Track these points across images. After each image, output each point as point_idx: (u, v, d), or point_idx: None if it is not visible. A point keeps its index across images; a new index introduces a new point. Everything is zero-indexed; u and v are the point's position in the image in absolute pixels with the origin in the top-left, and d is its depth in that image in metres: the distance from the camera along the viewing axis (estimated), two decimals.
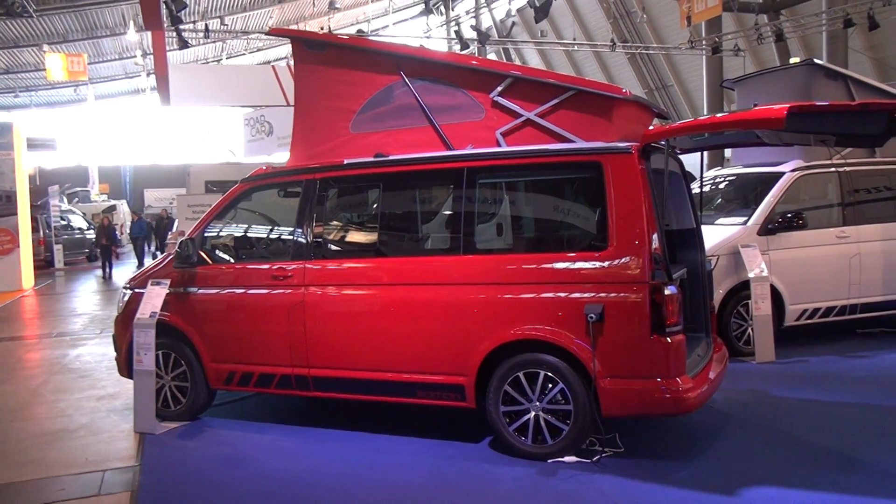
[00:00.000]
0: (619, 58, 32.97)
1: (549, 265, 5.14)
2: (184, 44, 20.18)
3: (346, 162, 5.92)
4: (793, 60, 24.99)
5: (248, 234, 6.75)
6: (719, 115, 5.25)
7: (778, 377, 7.22)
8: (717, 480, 4.74)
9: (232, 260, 6.45)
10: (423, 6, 39.86)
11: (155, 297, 6.26)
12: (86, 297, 16.50)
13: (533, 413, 5.17)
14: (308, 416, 6.64)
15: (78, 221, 26.94)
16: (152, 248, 25.79)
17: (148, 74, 37.37)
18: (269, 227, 6.80)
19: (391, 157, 5.78)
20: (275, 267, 6.02)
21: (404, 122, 5.87)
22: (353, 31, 33.23)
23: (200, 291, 6.30)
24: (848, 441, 5.46)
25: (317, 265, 5.86)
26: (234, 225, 6.62)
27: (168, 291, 6.26)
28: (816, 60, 8.92)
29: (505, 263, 5.30)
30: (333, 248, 6.06)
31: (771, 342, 7.71)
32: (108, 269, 20.80)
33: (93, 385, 8.03)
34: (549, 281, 5.12)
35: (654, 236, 4.93)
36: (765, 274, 7.67)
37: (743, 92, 9.31)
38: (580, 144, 5.24)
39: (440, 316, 5.39)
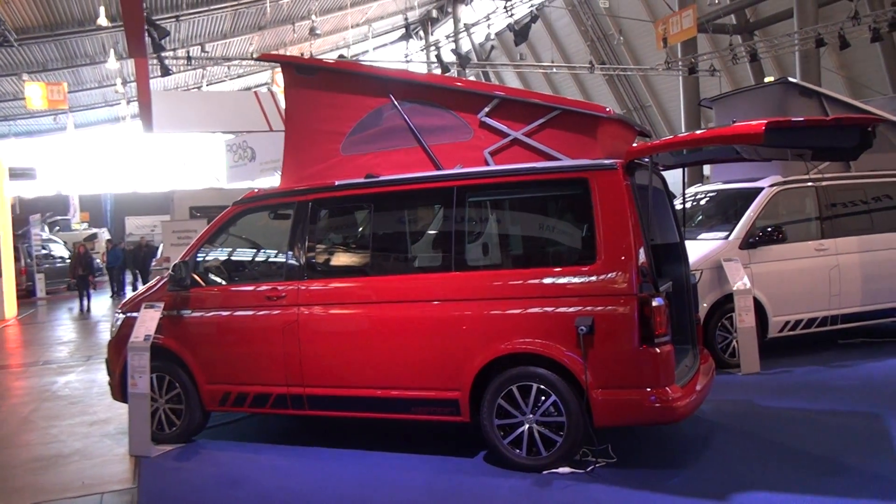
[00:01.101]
0: (597, 79, 33.48)
1: (539, 280, 5.27)
2: (166, 71, 20.30)
3: (337, 183, 6.04)
4: (767, 79, 25.53)
5: (241, 256, 6.83)
6: (699, 131, 5.42)
7: (763, 388, 7.36)
8: (710, 487, 4.85)
9: (225, 282, 6.52)
10: (402, 31, 40.36)
11: (149, 321, 6.30)
12: (70, 326, 16.41)
13: (527, 425, 5.26)
14: (302, 435, 6.67)
15: (59, 250, 26.79)
16: (129, 278, 24.74)
17: (128, 102, 37.35)
18: (262, 249, 6.88)
19: (382, 178, 5.90)
20: (268, 287, 6.10)
21: (394, 143, 6.00)
22: (333, 56, 33.45)
23: (194, 313, 6.36)
24: (834, 447, 5.60)
25: (310, 285, 5.94)
26: (227, 247, 6.69)
27: (162, 314, 6.31)
28: (791, 79, 9.17)
29: (496, 279, 5.42)
30: (326, 267, 6.14)
31: (755, 354, 7.86)
32: (85, 302, 19.25)
33: (84, 411, 8.01)
34: (539, 295, 5.23)
35: (641, 250, 5.08)
36: (748, 287, 7.84)
37: (721, 110, 9.54)
38: (567, 162, 5.40)
39: (433, 332, 5.49)
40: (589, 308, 5.07)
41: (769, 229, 8.25)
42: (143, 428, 6.21)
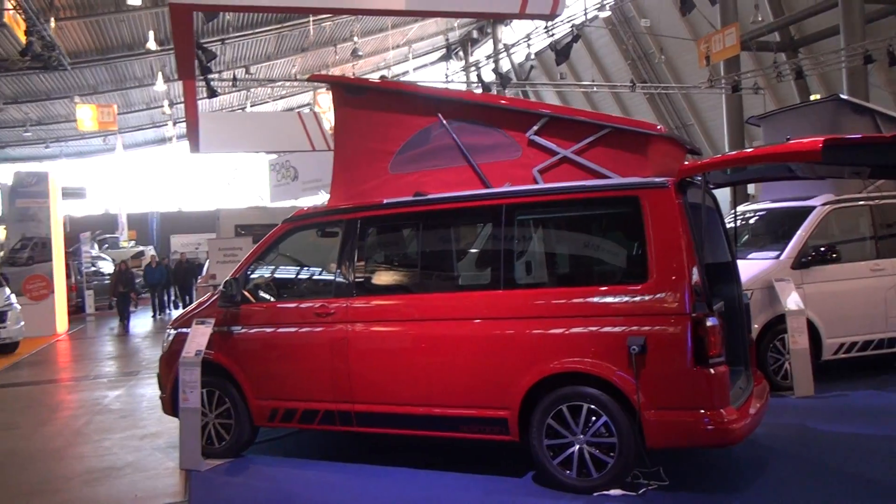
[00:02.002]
0: (637, 98, 33.30)
1: (589, 299, 5.23)
2: (212, 92, 20.67)
3: (385, 201, 6.08)
4: (814, 97, 25.16)
5: (291, 273, 6.91)
6: (754, 149, 5.36)
7: (818, 411, 7.18)
8: None
9: (274, 298, 6.60)
10: (442, 52, 40.72)
11: (200, 336, 6.39)
12: (119, 341, 16.71)
13: (577, 446, 5.21)
14: (350, 452, 6.68)
15: (108, 267, 27.35)
16: (172, 297, 24.24)
17: (174, 123, 38.27)
18: (311, 266, 6.95)
19: (430, 196, 5.93)
20: (317, 305, 6.15)
21: (442, 161, 6.04)
22: (375, 77, 33.80)
23: (244, 329, 6.44)
24: (890, 473, 5.43)
25: (359, 302, 5.98)
26: (277, 264, 6.78)
27: (213, 330, 6.40)
28: (843, 95, 9.02)
29: (545, 298, 5.39)
30: (375, 285, 6.17)
31: (809, 376, 7.68)
32: (124, 321, 19.10)
33: (135, 424, 8.14)
34: (589, 314, 5.19)
35: (694, 269, 5.02)
36: (801, 307, 7.68)
37: (769, 128, 9.42)
38: (617, 180, 5.37)
39: (483, 350, 5.47)
40: (641, 328, 5.01)
41: (822, 249, 8.09)
42: (194, 442, 6.29)
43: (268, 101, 38.68)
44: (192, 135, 17.67)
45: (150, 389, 10.17)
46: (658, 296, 5.01)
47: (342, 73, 35.67)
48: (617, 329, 5.08)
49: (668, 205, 5.08)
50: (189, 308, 7.14)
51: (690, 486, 5.27)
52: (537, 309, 5.35)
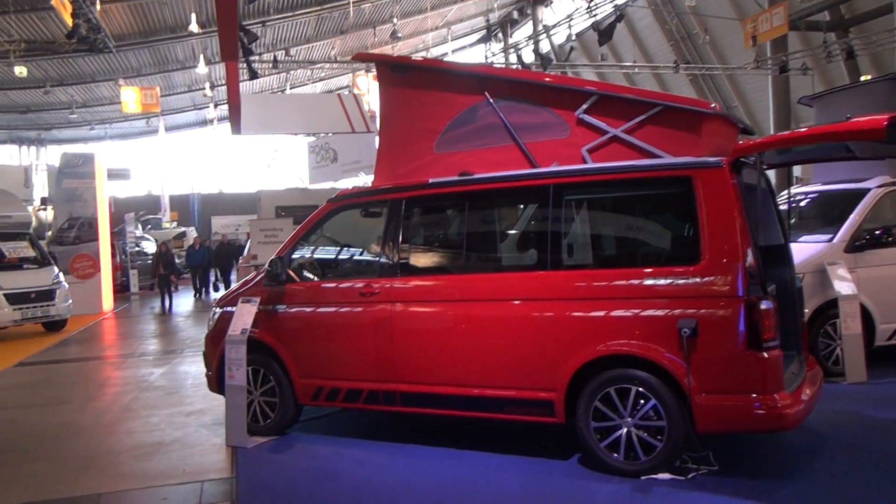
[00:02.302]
0: (680, 79, 32.71)
1: (639, 280, 5.13)
2: (254, 74, 20.85)
3: (431, 181, 6.04)
4: (864, 78, 24.45)
5: (335, 253, 6.92)
6: (813, 127, 5.19)
7: (872, 398, 7.00)
8: (821, 502, 4.62)
9: (319, 278, 6.62)
10: (481, 34, 40.40)
11: (245, 315, 6.44)
12: (163, 320, 17.00)
13: (625, 429, 5.14)
14: (392, 431, 6.70)
15: (151, 248, 27.81)
16: (213, 279, 23.64)
17: (215, 105, 38.66)
18: (356, 246, 6.95)
19: (477, 176, 5.87)
20: (362, 284, 6.15)
21: (488, 141, 5.97)
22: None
23: (289, 308, 6.47)
24: None
25: (404, 282, 5.96)
26: (321, 244, 6.79)
27: (258, 309, 6.44)
28: None
29: (594, 279, 5.31)
30: (421, 265, 6.14)
31: (862, 362, 7.49)
32: (167, 302, 18.59)
33: (181, 401, 8.26)
34: (638, 296, 5.10)
35: (748, 251, 4.89)
36: (853, 292, 7.48)
37: (821, 108, 9.16)
38: (669, 160, 5.25)
39: (529, 331, 5.42)
40: (692, 310, 4.91)
41: (877, 232, 7.86)
42: (240, 419, 6.35)
43: (307, 84, 38.84)
44: (234, 116, 17.79)
45: (193, 367, 10.33)
46: (710, 278, 4.90)
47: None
48: (667, 311, 4.98)
49: (722, 185, 4.96)
50: (234, 287, 7.20)
51: (741, 471, 5.17)
52: (586, 290, 5.27)
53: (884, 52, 24.28)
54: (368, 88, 29.30)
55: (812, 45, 25.57)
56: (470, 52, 41.84)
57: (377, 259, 6.23)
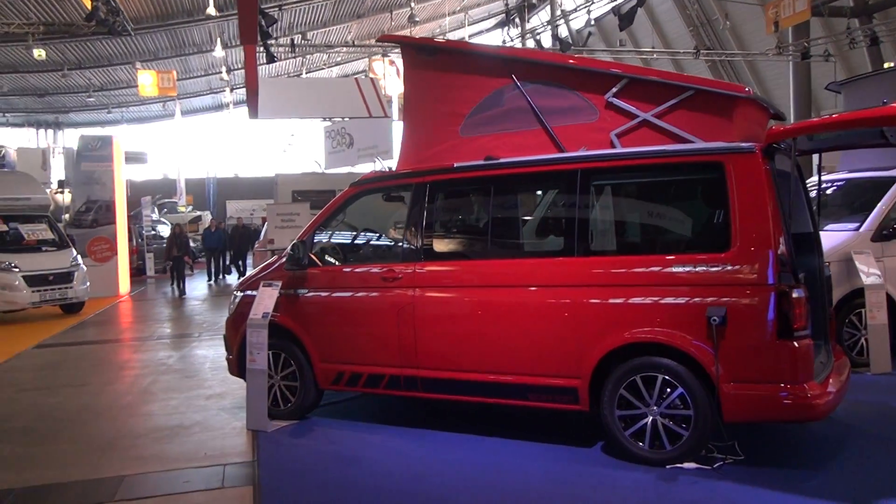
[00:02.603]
0: (698, 66, 32.36)
1: (667, 267, 5.05)
2: (271, 58, 20.78)
3: (456, 165, 5.97)
4: (887, 65, 24.08)
5: (358, 237, 6.87)
6: (849, 112, 5.08)
7: None
8: (850, 492, 4.57)
9: (341, 262, 6.58)
10: (499, 18, 40.11)
11: (267, 299, 6.41)
12: (178, 304, 17.04)
13: (650, 418, 5.08)
14: (412, 417, 6.66)
15: (166, 231, 27.90)
16: (227, 262, 23.31)
17: (231, 90, 38.67)
18: (379, 230, 6.90)
19: (503, 160, 5.79)
20: (384, 269, 6.10)
21: (515, 124, 5.88)
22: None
23: (310, 293, 6.43)
24: None
25: (427, 267, 5.91)
26: (344, 228, 6.74)
27: (279, 293, 6.41)
28: None
29: (621, 266, 5.24)
30: (444, 250, 6.08)
31: (887, 353, 7.39)
32: (179, 285, 18.30)
33: (200, 385, 8.27)
34: (667, 283, 5.03)
35: (781, 238, 4.80)
36: (880, 282, 7.36)
37: (850, 94, 8.99)
38: (701, 145, 5.15)
39: (554, 318, 5.36)
40: (722, 298, 4.83)
41: None
42: (261, 403, 6.34)
43: (323, 68, 38.71)
44: (252, 100, 17.77)
45: (211, 351, 10.35)
46: (741, 265, 4.82)
47: None
48: (696, 299, 4.91)
49: (754, 171, 4.86)
50: (255, 271, 7.17)
51: (767, 462, 5.10)
52: (612, 277, 5.20)
53: None
54: (385, 73, 29.22)
55: (834, 32, 25.22)
56: (487, 37, 41.56)
57: (400, 244, 6.18)
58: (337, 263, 6.58)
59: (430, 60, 6.25)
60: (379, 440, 6.02)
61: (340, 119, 26.75)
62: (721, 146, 5.03)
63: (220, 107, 42.69)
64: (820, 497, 4.49)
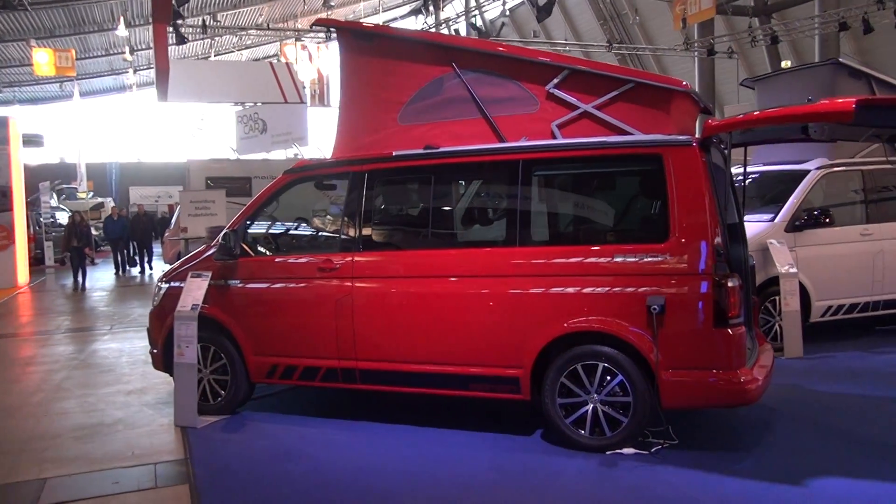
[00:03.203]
0: (609, 59, 33.11)
1: (608, 258, 5.14)
2: (181, 39, 19.99)
3: (395, 154, 5.88)
4: (785, 63, 25.33)
5: (292, 226, 6.69)
6: (782, 108, 5.29)
7: (809, 372, 7.28)
8: (781, 471, 4.76)
9: (275, 252, 6.40)
10: (413, 4, 39.93)
11: (196, 290, 6.17)
12: (83, 296, 16.22)
13: (591, 405, 5.17)
14: (348, 409, 6.55)
15: (66, 219, 26.51)
16: (131, 253, 21.60)
17: (134, 71, 37.03)
18: (314, 219, 6.74)
19: (443, 149, 5.74)
20: (321, 259, 5.96)
21: (455, 113, 5.84)
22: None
23: (242, 284, 6.23)
24: (889, 434, 5.53)
25: (366, 257, 5.81)
26: (278, 217, 6.55)
27: (209, 284, 6.17)
28: (841, 59, 8.99)
29: (562, 256, 5.28)
30: (383, 239, 5.99)
31: (799, 338, 7.78)
32: (80, 279, 17.07)
33: (118, 380, 7.90)
34: (607, 273, 5.11)
35: (717, 229, 4.96)
36: (794, 270, 7.73)
37: (764, 90, 9.38)
38: (641, 137, 5.25)
39: (495, 308, 5.37)
40: (661, 288, 4.95)
41: (815, 212, 8.14)
42: (190, 399, 6.11)
43: (233, 51, 37.57)
44: (162, 82, 17.09)
45: (126, 344, 9.93)
46: (679, 256, 4.95)
47: (309, 25, 34.84)
48: (635, 289, 5.02)
49: (692, 163, 5.00)
50: (180, 262, 6.88)
51: (700, 445, 5.28)
52: (554, 267, 5.25)
53: (802, 39, 25.20)
54: (297, 58, 28.59)
55: (734, 30, 26.30)
56: (400, 25, 41.25)
57: (338, 233, 6.06)
58: (270, 253, 6.39)
59: (368, 46, 6.13)
60: (315, 434, 5.90)
61: (253, 104, 26.11)
62: (660, 139, 5.14)
63: (122, 88, 40.88)
64: (755, 477, 4.68)
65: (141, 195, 38.00)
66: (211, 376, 6.34)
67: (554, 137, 5.53)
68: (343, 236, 5.96)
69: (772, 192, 8.76)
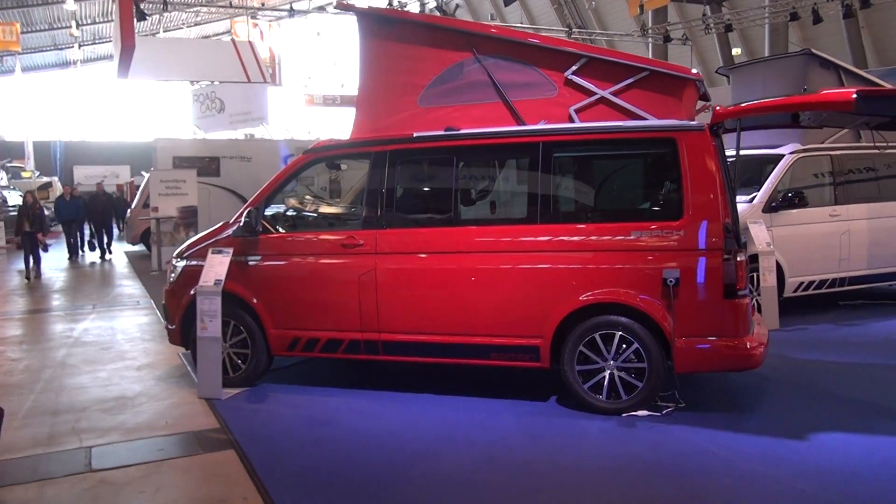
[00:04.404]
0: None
1: (625, 233, 5.51)
2: (142, 15, 19.65)
3: (416, 135, 6.13)
4: (735, 51, 26.23)
5: (314, 204, 6.88)
6: (791, 97, 5.74)
7: (789, 342, 7.84)
8: (784, 428, 5.24)
9: (296, 229, 6.59)
10: None
11: (218, 266, 6.33)
12: (50, 274, 15.94)
13: (608, 371, 5.57)
14: (359, 381, 6.79)
15: (15, 199, 25.77)
16: (89, 236, 20.26)
17: (79, 46, 36.01)
18: (335, 197, 6.95)
19: (465, 131, 6.02)
20: (345, 236, 6.19)
21: (474, 97, 6.12)
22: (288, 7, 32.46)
23: (264, 260, 6.42)
24: (878, 395, 6.09)
25: (390, 234, 6.06)
26: (298, 194, 6.74)
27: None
28: (813, 50, 9.55)
29: (582, 232, 5.64)
30: (407, 217, 6.20)
31: (776, 311, 8.34)
32: (33, 265, 15.23)
33: (122, 356, 7.98)
34: (626, 249, 5.49)
35: (726, 208, 5.38)
36: (771, 248, 8.27)
37: (738, 79, 9.89)
38: (656, 122, 5.63)
39: (519, 281, 5.70)
40: (676, 262, 5.36)
41: (790, 194, 8.69)
42: (214, 371, 6.29)
43: (182, 27, 36.90)
44: (126, 59, 16.76)
45: (117, 322, 9.96)
46: (693, 232, 5.35)
47: (262, 2, 34.38)
48: (652, 263, 5.41)
49: (705, 147, 5.40)
50: (195, 238, 7.01)
51: (705, 407, 5.73)
52: (574, 243, 5.61)
53: (750, 28, 26.14)
54: (248, 36, 28.25)
55: (686, 18, 27.09)
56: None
57: (361, 211, 6.29)
58: (292, 230, 6.57)
59: (389, 31, 6.34)
60: (339, 402, 6.15)
61: (211, 82, 25.78)
62: (675, 124, 5.53)
63: (65, 64, 39.73)
64: (761, 433, 5.15)
65: (85, 175, 37.00)
66: (231, 350, 6.53)
67: (572, 121, 5.86)
68: (367, 214, 6.20)
69: (750, 174, 9.28)
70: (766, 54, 22.19)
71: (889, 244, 9.29)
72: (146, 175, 19.29)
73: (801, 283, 8.87)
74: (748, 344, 5.36)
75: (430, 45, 6.23)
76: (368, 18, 6.45)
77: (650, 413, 5.54)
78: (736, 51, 26.52)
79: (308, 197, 6.89)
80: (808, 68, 9.05)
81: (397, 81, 6.33)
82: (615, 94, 5.78)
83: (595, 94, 5.82)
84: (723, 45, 26.70)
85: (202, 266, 6.39)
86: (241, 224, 6.39)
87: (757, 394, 6.16)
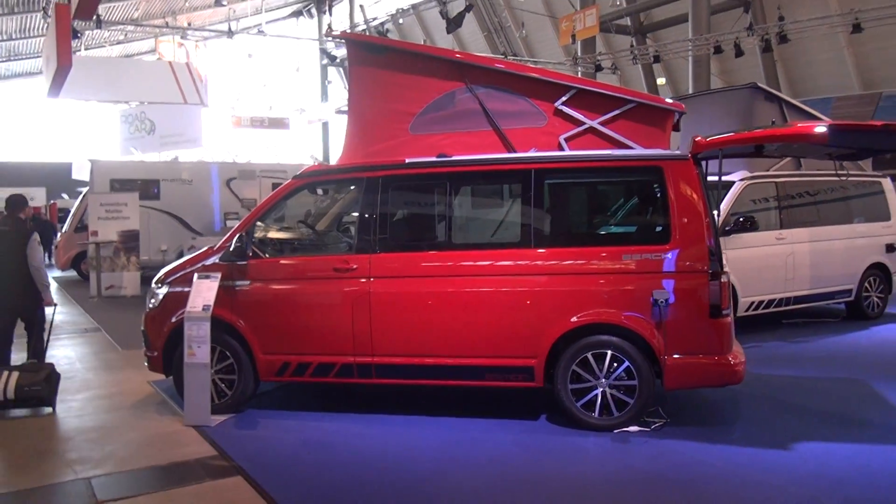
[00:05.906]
0: None
1: (618, 258, 5.77)
2: (75, 33, 19.07)
3: (408, 161, 6.27)
4: (660, 81, 27.40)
5: (303, 229, 6.89)
6: (768, 129, 6.14)
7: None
8: (766, 439, 5.58)
9: (285, 253, 6.60)
10: (293, 7, 39.60)
11: (206, 291, 6.27)
12: None
13: (600, 389, 5.79)
14: (347, 404, 6.79)
15: None
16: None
17: None
18: (325, 222, 6.97)
19: (458, 158, 6.19)
20: (337, 260, 6.24)
21: (466, 125, 6.31)
22: (223, 27, 32.04)
23: (252, 285, 6.39)
24: (836, 405, 6.53)
25: (383, 257, 6.14)
26: (287, 219, 6.74)
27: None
28: (759, 84, 10.16)
29: (574, 256, 5.87)
30: (400, 241, 6.30)
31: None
32: None
33: (87, 386, 7.74)
34: (617, 272, 5.75)
35: (711, 232, 5.72)
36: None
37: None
38: (643, 151, 5.95)
39: (514, 304, 5.88)
40: (664, 284, 5.65)
41: (741, 219, 9.20)
42: (202, 398, 6.21)
43: (104, 46, 35.82)
44: (60, 77, 16.25)
45: (70, 351, 9.68)
46: (680, 255, 5.66)
47: (188, 22, 33.81)
48: (641, 285, 5.69)
49: (689, 175, 5.74)
50: (178, 264, 6.91)
51: (687, 422, 6.02)
52: (567, 267, 5.83)
53: (673, 60, 27.38)
54: (174, 55, 27.79)
55: (612, 48, 28.16)
56: (282, 26, 40.76)
57: (354, 235, 6.35)
58: (282, 254, 6.58)
59: (380, 59, 6.48)
60: (334, 426, 6.17)
61: (140, 103, 25.20)
62: (661, 153, 5.86)
63: None
64: (747, 444, 5.47)
65: None
66: (216, 376, 6.45)
67: (562, 150, 6.12)
68: (360, 238, 6.27)
69: None
70: (690, 85, 23.33)
71: (828, 265, 9.93)
72: (67, 197, 18.70)
73: (753, 302, 9.37)
74: (732, 360, 5.69)
75: (421, 74, 6.40)
76: (358, 46, 6.57)
77: (641, 429, 5.79)
78: (661, 80, 27.70)
79: (299, 221, 6.89)
80: (754, 101, 9.64)
81: (388, 108, 6.46)
82: (603, 123, 6.07)
83: (584, 123, 6.10)
84: (647, 75, 27.86)
85: (185, 292, 6.33)
86: (231, 249, 6.36)
87: (733, 407, 6.50)
